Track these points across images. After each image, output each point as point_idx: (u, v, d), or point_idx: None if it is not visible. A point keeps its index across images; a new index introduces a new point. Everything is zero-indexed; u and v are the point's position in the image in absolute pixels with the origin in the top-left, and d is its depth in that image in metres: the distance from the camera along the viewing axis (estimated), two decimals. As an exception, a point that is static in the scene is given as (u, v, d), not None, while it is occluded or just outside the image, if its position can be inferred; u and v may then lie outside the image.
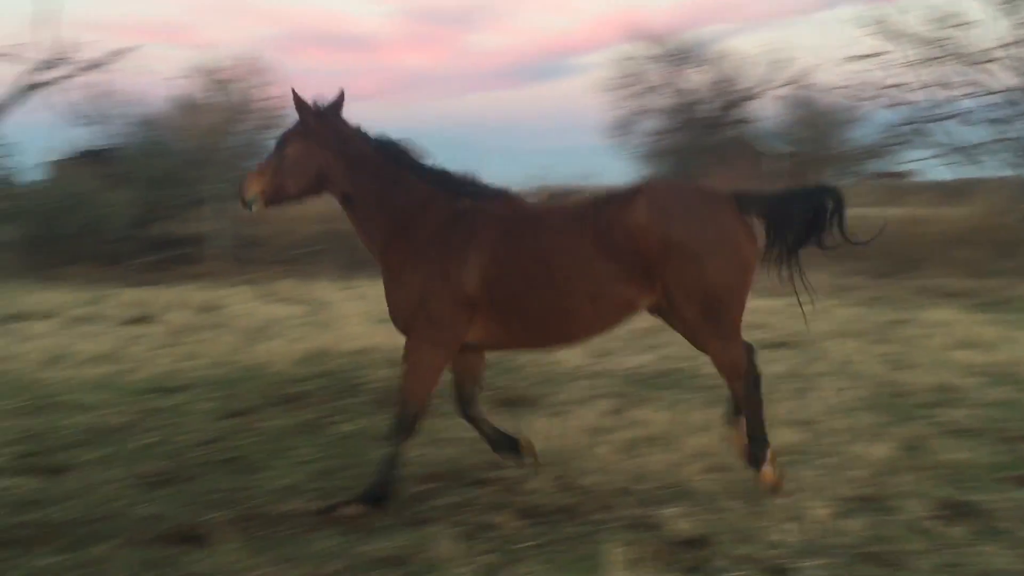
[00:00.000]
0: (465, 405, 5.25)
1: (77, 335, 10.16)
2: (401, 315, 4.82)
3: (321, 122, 4.90)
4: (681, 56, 33.77)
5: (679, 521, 4.49)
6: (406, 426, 4.77)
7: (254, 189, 4.86)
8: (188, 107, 26.02)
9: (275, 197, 4.89)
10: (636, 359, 8.56)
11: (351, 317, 10.76)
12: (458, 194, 4.92)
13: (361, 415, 6.72)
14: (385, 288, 4.90)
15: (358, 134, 4.99)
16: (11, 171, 21.86)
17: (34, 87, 22.41)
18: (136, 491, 5.08)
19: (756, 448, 4.92)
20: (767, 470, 4.88)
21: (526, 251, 4.74)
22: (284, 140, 4.94)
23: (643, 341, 9.52)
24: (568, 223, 4.84)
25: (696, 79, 33.68)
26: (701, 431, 6.02)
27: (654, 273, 4.67)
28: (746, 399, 4.96)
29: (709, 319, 4.74)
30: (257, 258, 18.81)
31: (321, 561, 4.11)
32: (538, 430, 6.03)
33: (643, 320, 10.60)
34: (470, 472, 5.36)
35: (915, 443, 5.69)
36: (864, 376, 7.60)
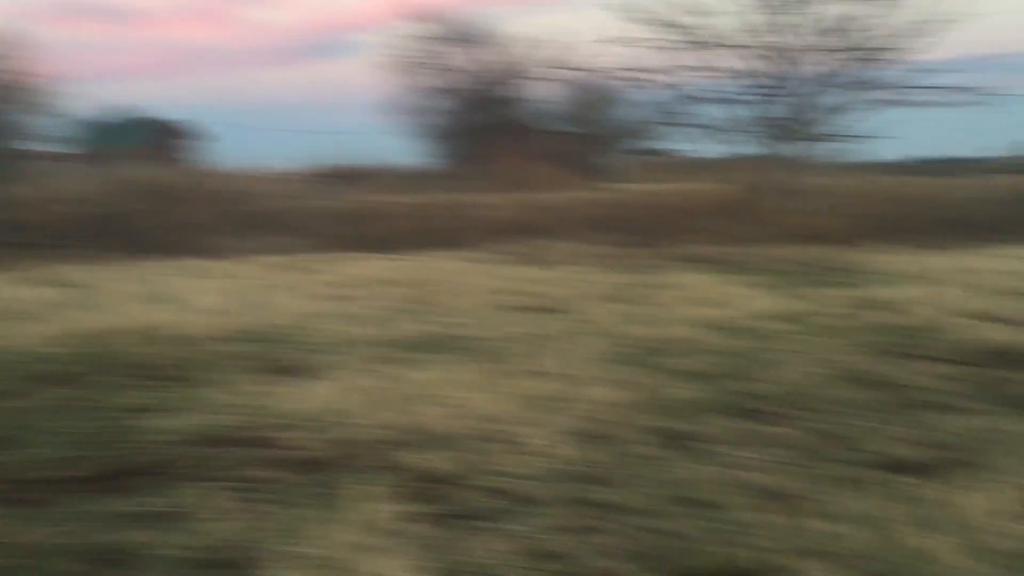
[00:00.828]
0: None
1: None
2: None
3: None
4: (461, 36, 34.32)
5: (433, 462, 4.94)
6: None
7: None
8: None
9: None
10: (411, 327, 8.98)
11: (117, 296, 10.54)
12: None
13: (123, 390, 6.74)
14: None
15: None
16: None
17: None
18: None
19: None
20: None
21: None
22: None
23: (416, 309, 9.97)
24: None
25: (475, 59, 34.40)
26: (470, 388, 6.50)
27: None
28: None
29: None
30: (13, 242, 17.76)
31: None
32: (314, 394, 6.33)
33: (430, 292, 11.09)
34: (237, 433, 5.58)
35: (642, 386, 6.46)
36: (607, 332, 8.41)
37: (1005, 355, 7.17)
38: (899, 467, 4.78)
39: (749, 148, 21.25)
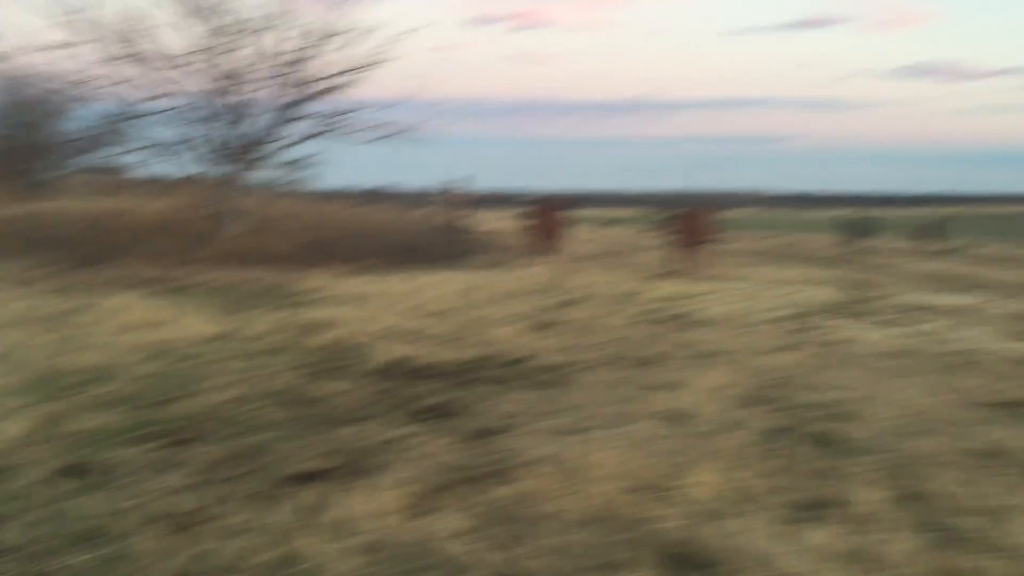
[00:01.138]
0: None
1: None
2: None
3: None
4: None
5: None
6: None
7: None
8: None
9: None
10: None
11: None
12: None
13: None
14: None
15: None
16: None
17: None
18: None
19: None
20: None
21: None
22: None
23: None
24: None
25: None
26: None
27: None
28: None
29: None
30: None
31: None
32: None
33: None
34: None
35: (56, 417, 6.02)
36: (26, 362, 7.69)
37: (411, 369, 7.99)
38: (306, 478, 5.05)
39: (197, 169, 20.91)
